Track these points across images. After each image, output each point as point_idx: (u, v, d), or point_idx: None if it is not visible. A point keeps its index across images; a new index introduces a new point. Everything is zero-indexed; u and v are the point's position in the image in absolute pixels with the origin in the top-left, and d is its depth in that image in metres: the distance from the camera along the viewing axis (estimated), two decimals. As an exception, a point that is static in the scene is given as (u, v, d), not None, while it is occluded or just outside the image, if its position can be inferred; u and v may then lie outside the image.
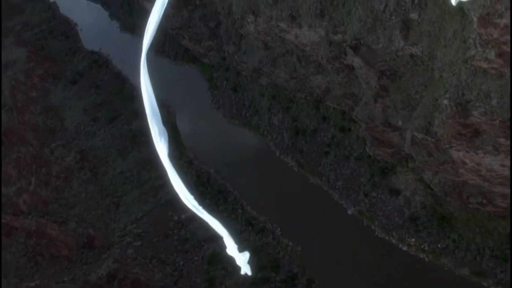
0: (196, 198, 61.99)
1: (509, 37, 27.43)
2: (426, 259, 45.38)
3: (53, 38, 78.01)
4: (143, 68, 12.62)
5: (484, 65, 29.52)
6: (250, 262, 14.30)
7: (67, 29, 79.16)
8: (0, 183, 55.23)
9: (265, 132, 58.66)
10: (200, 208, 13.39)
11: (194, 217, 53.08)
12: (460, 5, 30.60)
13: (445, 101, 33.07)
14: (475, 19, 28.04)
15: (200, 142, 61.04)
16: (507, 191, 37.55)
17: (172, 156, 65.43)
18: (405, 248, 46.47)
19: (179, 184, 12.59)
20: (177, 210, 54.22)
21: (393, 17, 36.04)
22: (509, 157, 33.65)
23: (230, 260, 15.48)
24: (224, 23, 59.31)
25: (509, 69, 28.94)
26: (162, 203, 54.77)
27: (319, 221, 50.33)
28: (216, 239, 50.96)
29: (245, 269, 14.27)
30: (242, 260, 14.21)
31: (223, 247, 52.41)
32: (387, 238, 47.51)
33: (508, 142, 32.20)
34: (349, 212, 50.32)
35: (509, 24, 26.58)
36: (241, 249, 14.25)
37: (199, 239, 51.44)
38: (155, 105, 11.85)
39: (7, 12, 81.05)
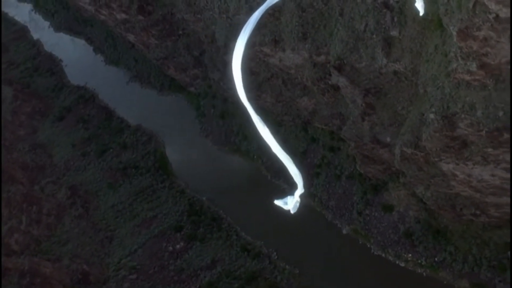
0: (189, 228, 61.25)
1: (489, 49, 27.89)
2: (424, 274, 45.26)
3: (38, 75, 77.97)
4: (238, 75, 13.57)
5: (467, 77, 29.91)
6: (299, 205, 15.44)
7: (52, 66, 79.17)
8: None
9: (255, 157, 58.69)
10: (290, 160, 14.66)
11: (189, 246, 52.91)
12: (438, 20, 31.20)
13: (431, 115, 33.38)
14: (454, 33, 28.51)
15: (191, 171, 60.95)
16: (500, 200, 37.74)
17: (163, 185, 64.87)
18: (402, 264, 46.34)
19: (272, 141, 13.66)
20: (171, 240, 53.86)
21: (374, 35, 36.53)
22: (498, 166, 33.92)
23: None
24: (208, 51, 59.76)
25: (491, 80, 29.36)
26: (156, 234, 54.40)
27: (314, 242, 50.12)
28: (212, 267, 50.69)
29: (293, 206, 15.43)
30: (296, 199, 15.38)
31: (220, 274, 51.31)
32: (383, 255, 47.37)
33: (496, 152, 32.48)
34: (344, 231, 50.22)
35: (487, 36, 27.07)
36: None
37: (195, 268, 51.03)
38: (245, 99, 13.01)
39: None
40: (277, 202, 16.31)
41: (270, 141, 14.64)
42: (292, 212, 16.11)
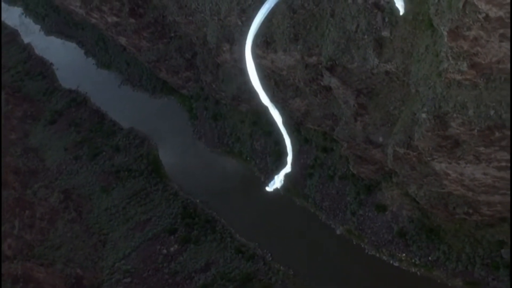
0: (182, 230, 61.35)
1: (479, 48, 28.07)
2: (418, 273, 45.42)
3: (29, 79, 77.70)
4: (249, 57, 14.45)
5: (458, 77, 30.09)
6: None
7: (43, 69, 78.87)
8: None
9: (248, 158, 58.69)
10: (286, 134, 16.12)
11: (183, 249, 52.81)
12: (429, 20, 31.38)
13: (423, 115, 33.53)
14: (445, 33, 28.67)
15: (184, 173, 60.82)
16: (492, 199, 37.98)
17: (157, 188, 64.63)
18: (396, 264, 46.48)
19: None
20: (165, 243, 53.73)
21: (365, 36, 36.66)
22: (490, 165, 34.11)
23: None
24: (200, 53, 59.72)
25: (482, 79, 29.55)
26: (150, 237, 54.27)
27: (308, 243, 50.17)
28: (207, 269, 50.66)
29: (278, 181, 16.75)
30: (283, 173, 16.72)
31: (214, 277, 51.24)
32: (377, 255, 47.50)
33: (488, 150, 32.67)
34: (338, 232, 50.30)
35: (478, 35, 27.24)
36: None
37: (189, 270, 50.93)
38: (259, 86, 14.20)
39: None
40: (268, 188, 17.41)
41: (278, 121, 16.15)
42: (278, 187, 17.33)
